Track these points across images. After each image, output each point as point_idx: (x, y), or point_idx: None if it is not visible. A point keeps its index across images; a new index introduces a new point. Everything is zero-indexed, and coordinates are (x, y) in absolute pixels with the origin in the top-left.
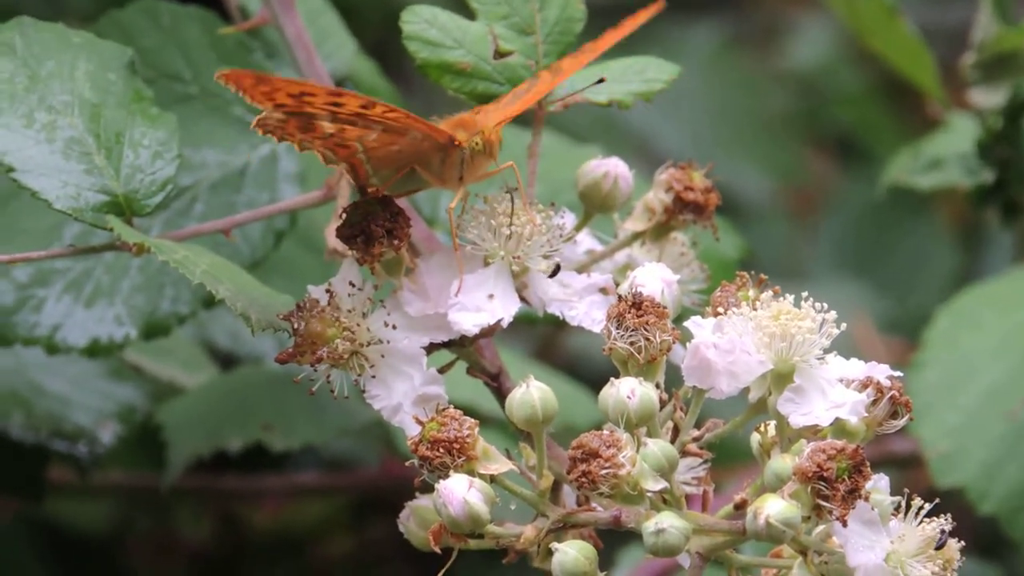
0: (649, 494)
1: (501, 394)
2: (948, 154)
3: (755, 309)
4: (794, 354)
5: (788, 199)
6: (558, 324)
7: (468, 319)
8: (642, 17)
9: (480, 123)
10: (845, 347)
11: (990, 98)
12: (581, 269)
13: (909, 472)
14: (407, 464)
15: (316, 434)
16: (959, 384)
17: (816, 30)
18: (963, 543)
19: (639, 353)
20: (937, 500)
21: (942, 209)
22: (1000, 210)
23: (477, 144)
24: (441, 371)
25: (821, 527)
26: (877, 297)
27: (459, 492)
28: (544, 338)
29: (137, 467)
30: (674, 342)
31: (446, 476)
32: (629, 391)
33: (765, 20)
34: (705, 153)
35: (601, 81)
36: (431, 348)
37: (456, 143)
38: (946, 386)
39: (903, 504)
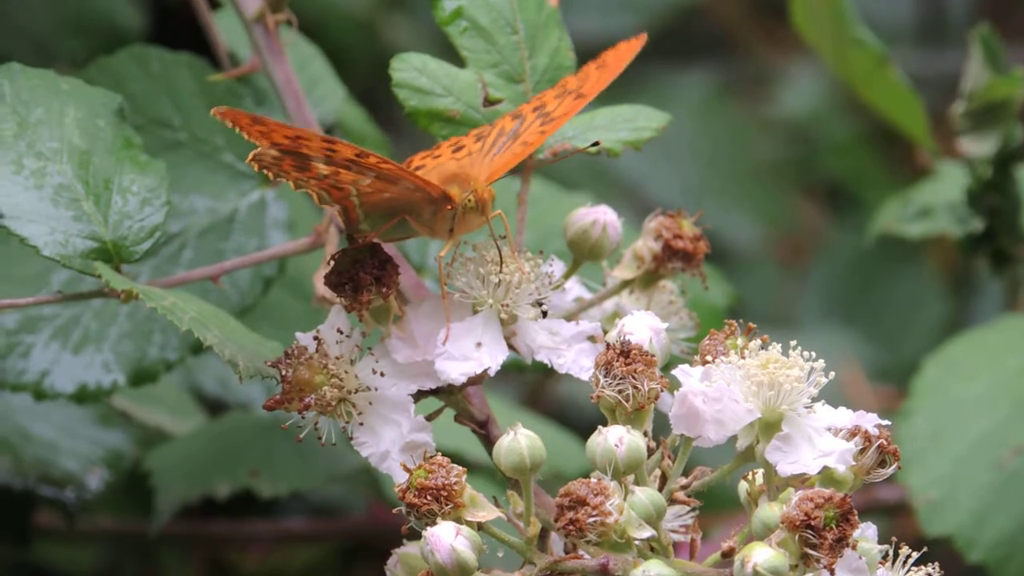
0: (637, 542)
1: (489, 441)
2: (937, 203)
3: (743, 358)
4: (782, 403)
5: (778, 247)
6: (547, 372)
7: (455, 368)
8: (624, 51)
9: (472, 177)
10: (834, 395)
11: (980, 147)
12: (570, 317)
13: (897, 520)
14: (395, 511)
15: (304, 480)
16: (948, 432)
17: (806, 78)
18: None
19: (627, 401)
20: (925, 549)
21: (932, 257)
22: (989, 259)
23: (470, 202)
24: (429, 418)
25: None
26: (866, 345)
27: (446, 539)
28: (533, 385)
29: (125, 513)
30: (662, 390)
31: (433, 523)
32: (617, 439)
33: (756, 68)
34: (695, 200)
35: (596, 144)
36: (419, 395)
37: (449, 202)
38: (935, 434)
39: (891, 553)
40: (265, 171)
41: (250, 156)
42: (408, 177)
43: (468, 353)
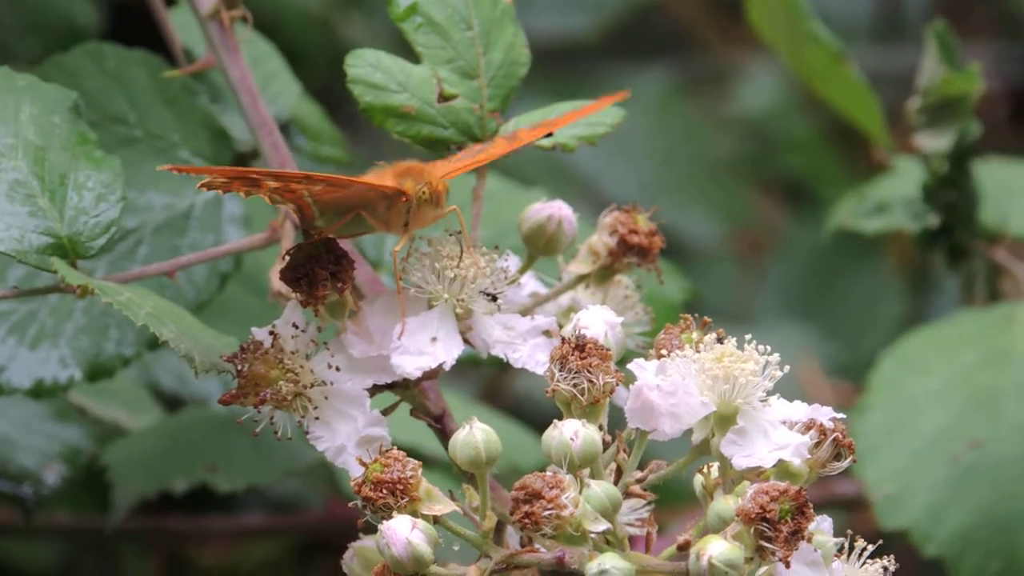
0: (592, 535)
1: (445, 436)
2: (894, 198)
3: (698, 351)
4: (737, 396)
5: (736, 243)
6: (502, 366)
7: (410, 362)
8: (606, 102)
9: (427, 171)
10: (792, 390)
11: (936, 142)
12: (525, 312)
13: (854, 514)
14: (351, 505)
15: (261, 475)
16: (904, 427)
17: (764, 76)
18: None
19: (582, 395)
20: (880, 542)
21: (890, 253)
22: (946, 254)
23: (424, 194)
24: (385, 413)
25: (764, 568)
26: (825, 341)
27: (402, 533)
28: (489, 380)
29: (82, 509)
30: (617, 384)
31: (389, 517)
32: (572, 433)
33: (713, 65)
34: (653, 196)
35: (550, 135)
36: (375, 390)
37: (403, 194)
38: (891, 429)
39: (846, 546)
40: (215, 190)
41: (198, 184)
42: (359, 184)
43: (423, 348)
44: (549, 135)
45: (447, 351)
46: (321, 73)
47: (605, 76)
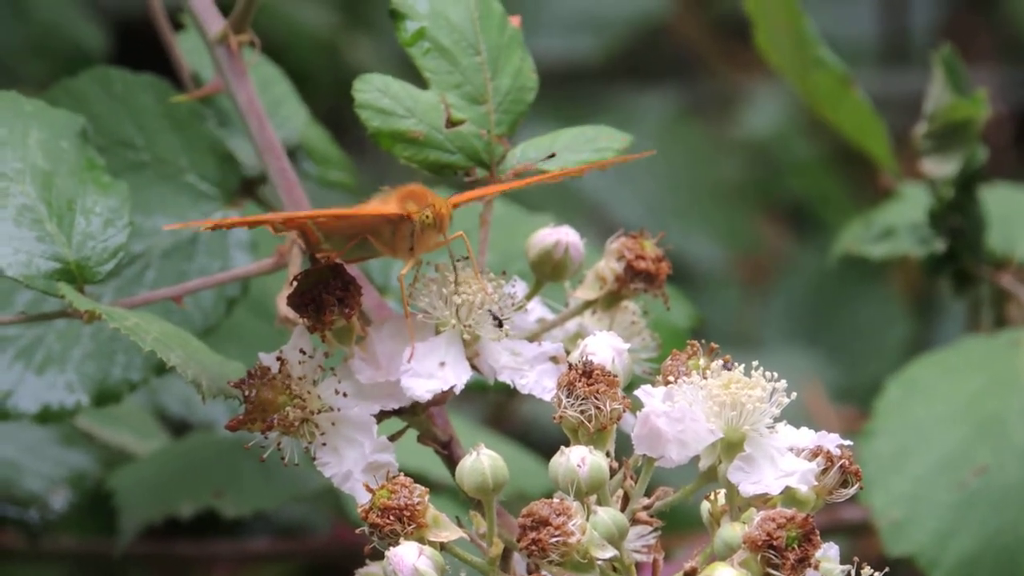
0: (599, 562)
1: (452, 462)
2: (900, 223)
3: (705, 378)
4: (744, 423)
5: (741, 267)
6: (509, 392)
7: (421, 385)
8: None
9: (431, 196)
10: (797, 415)
11: (942, 168)
12: (532, 338)
13: (860, 540)
14: (358, 531)
15: (267, 500)
16: (910, 453)
17: (770, 99)
18: None
19: (589, 422)
20: (887, 568)
21: (896, 278)
22: (952, 280)
23: (427, 218)
24: (392, 439)
25: None
26: (830, 365)
27: (409, 559)
28: (496, 406)
29: (89, 533)
30: (624, 410)
31: (396, 543)
32: (579, 459)
33: (719, 89)
34: (659, 221)
35: (552, 156)
36: (382, 416)
37: (407, 216)
38: (897, 455)
39: (852, 573)
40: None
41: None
42: (360, 215)
43: (432, 372)
44: (552, 157)
45: (456, 375)
46: (328, 96)
47: (611, 99)
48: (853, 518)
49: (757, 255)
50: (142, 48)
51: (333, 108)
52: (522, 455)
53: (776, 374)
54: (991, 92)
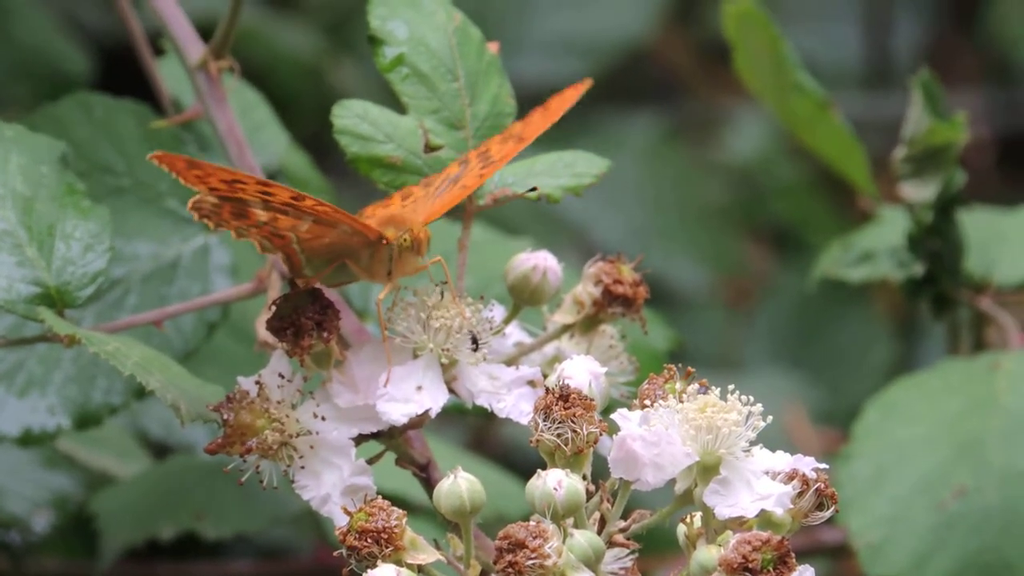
0: None
1: (430, 485)
2: (879, 247)
3: (681, 402)
4: (720, 446)
5: (725, 290)
6: (488, 416)
7: (396, 409)
8: (570, 96)
9: (409, 219)
10: (778, 437)
11: (921, 192)
12: (510, 362)
13: (840, 563)
14: (336, 554)
15: (248, 523)
16: (889, 475)
17: (753, 123)
18: None
19: (566, 445)
20: None
21: (879, 301)
22: (931, 303)
23: (405, 241)
24: (370, 462)
25: None
26: (813, 388)
27: None
28: (477, 429)
29: (71, 555)
30: (601, 434)
31: (374, 566)
32: (556, 482)
33: (703, 112)
34: (642, 244)
35: (534, 190)
36: (360, 439)
37: (384, 240)
38: (875, 477)
39: None
40: (205, 220)
41: (189, 203)
42: (344, 219)
43: (409, 396)
44: (534, 190)
45: (433, 399)
46: (312, 121)
47: (594, 122)
48: (833, 540)
49: (741, 278)
50: (126, 73)
51: (317, 133)
52: (502, 478)
53: (752, 398)
54: (975, 114)
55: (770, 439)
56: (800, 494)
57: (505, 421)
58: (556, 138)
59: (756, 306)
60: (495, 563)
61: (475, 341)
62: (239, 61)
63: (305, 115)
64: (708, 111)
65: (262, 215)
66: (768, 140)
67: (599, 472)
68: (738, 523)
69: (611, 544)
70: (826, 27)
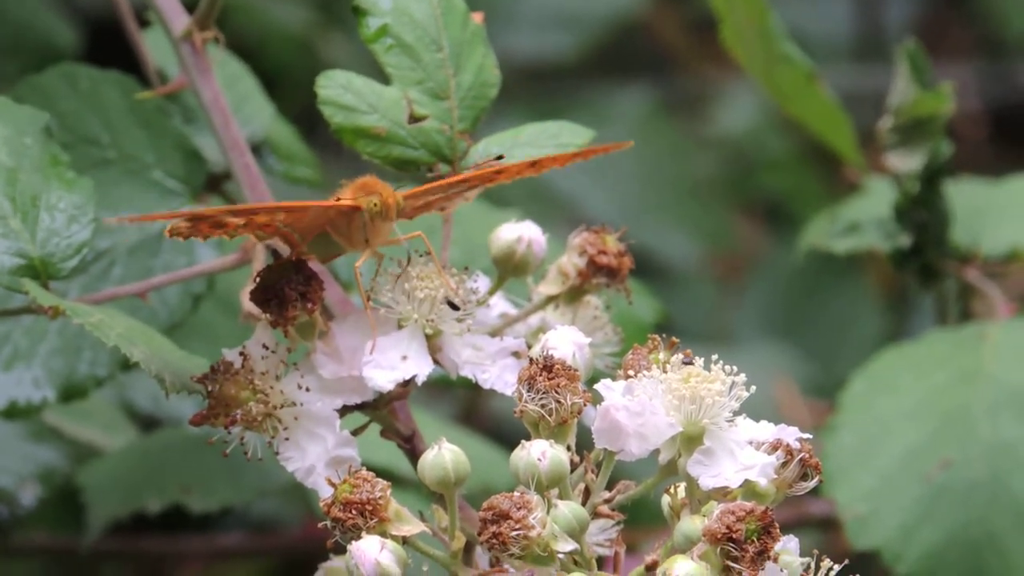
0: (560, 555)
1: (414, 456)
2: (865, 218)
3: (665, 372)
4: (703, 416)
5: (715, 263)
6: (474, 388)
7: (383, 375)
8: (611, 148)
9: (379, 185)
10: (768, 410)
11: (907, 162)
12: (495, 333)
13: (827, 534)
14: (320, 525)
15: (235, 495)
16: (875, 447)
17: (743, 97)
18: None
19: (550, 416)
20: (847, 561)
21: (869, 273)
22: (918, 274)
23: (375, 206)
24: (354, 433)
25: None
26: (803, 361)
27: (371, 553)
28: (466, 401)
29: (59, 529)
30: (585, 405)
31: (358, 537)
32: (540, 453)
33: (693, 86)
34: (633, 217)
35: (500, 158)
36: (344, 410)
37: (356, 208)
38: (862, 449)
39: (813, 565)
40: (190, 238)
41: (167, 232)
42: (314, 206)
43: (395, 364)
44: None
45: (419, 367)
46: (303, 94)
47: (586, 96)
48: (820, 512)
49: (732, 252)
50: (112, 45)
51: (308, 106)
52: (490, 450)
53: (736, 368)
54: (968, 88)
55: (760, 413)
56: (784, 464)
57: (494, 393)
58: (546, 112)
59: (747, 280)
60: (479, 534)
61: (453, 306)
62: (230, 34)
63: (296, 88)
64: (699, 85)
65: (237, 220)
66: (759, 114)
67: (584, 443)
68: (722, 493)
69: (596, 515)
70: (819, 1)
